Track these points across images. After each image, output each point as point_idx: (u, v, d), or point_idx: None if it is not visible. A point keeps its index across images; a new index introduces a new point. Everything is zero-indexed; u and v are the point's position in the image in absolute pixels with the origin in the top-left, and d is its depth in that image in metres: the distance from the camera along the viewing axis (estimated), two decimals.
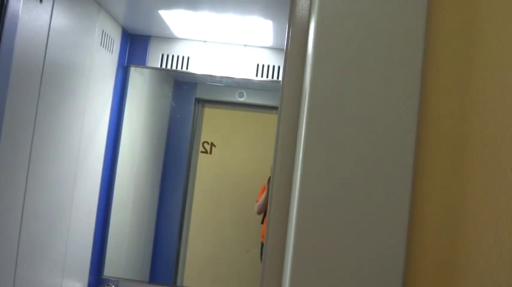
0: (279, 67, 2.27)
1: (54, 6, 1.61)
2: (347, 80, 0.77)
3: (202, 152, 3.14)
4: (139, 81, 2.45)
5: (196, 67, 2.32)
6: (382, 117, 0.76)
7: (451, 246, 0.73)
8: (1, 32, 1.11)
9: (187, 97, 2.73)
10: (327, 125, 0.77)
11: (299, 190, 0.77)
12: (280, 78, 2.21)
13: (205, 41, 2.32)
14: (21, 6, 1.36)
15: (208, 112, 2.91)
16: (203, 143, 3.20)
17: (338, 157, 0.76)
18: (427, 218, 0.76)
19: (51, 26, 1.60)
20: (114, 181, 2.35)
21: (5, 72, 1.23)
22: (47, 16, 1.58)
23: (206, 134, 3.07)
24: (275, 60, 2.28)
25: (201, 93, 2.74)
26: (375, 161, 0.76)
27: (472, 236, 0.67)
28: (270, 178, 2.74)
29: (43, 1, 1.54)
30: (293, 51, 0.93)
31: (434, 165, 0.76)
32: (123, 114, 2.35)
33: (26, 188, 1.55)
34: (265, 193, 2.86)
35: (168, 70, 2.38)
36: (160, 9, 1.95)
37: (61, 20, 1.66)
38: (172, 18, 2.04)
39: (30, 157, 1.56)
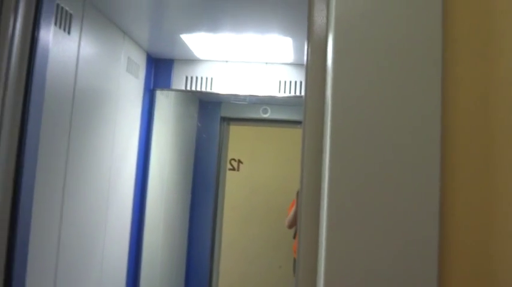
0: (301, 82, 2.29)
1: (82, 37, 1.69)
2: (367, 91, 0.79)
3: (230, 169, 3.17)
4: (165, 104, 2.51)
5: (220, 87, 2.37)
6: (405, 126, 0.77)
7: (483, 246, 0.73)
8: (33, 64, 1.17)
9: (212, 116, 2.78)
10: (351, 136, 0.78)
11: (327, 202, 0.78)
12: (303, 93, 2.23)
13: (227, 61, 2.37)
14: (51, 39, 1.43)
15: (234, 130, 2.95)
16: (230, 160, 3.23)
17: (364, 167, 0.77)
18: (457, 223, 0.76)
19: (79, 55, 1.67)
20: (146, 202, 2.39)
21: (39, 102, 1.29)
22: (75, 47, 1.65)
23: (233, 151, 3.11)
24: (297, 76, 2.31)
25: (225, 112, 2.79)
26: (401, 171, 0.76)
27: (504, 237, 0.67)
28: (299, 190, 2.74)
29: (71, 33, 1.61)
30: (313, 67, 0.95)
31: (462, 174, 0.76)
32: (151, 136, 2.41)
33: (61, 212, 1.60)
34: (295, 206, 2.85)
35: (192, 91, 2.44)
36: (182, 33, 2.01)
37: (89, 49, 1.74)
38: (194, 41, 2.10)
39: (64, 183, 1.62)
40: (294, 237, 2.84)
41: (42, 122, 1.38)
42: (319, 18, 0.96)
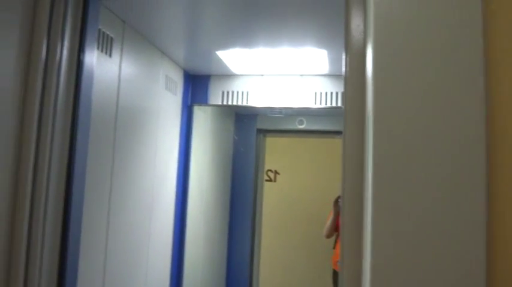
0: (336, 93, 2.29)
1: (122, 59, 1.76)
2: (410, 100, 0.79)
3: (266, 180, 3.19)
4: (202, 118, 2.56)
5: (256, 100, 2.40)
6: (449, 135, 0.76)
7: None
8: (80, 87, 1.23)
9: (248, 129, 2.81)
10: (394, 146, 0.78)
11: (372, 213, 0.78)
12: (339, 103, 2.24)
13: (262, 75, 2.40)
14: (95, 62, 1.49)
15: (270, 141, 2.97)
16: (267, 171, 3.25)
17: (409, 176, 0.77)
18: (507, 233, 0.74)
19: (120, 76, 1.74)
20: (186, 214, 2.44)
21: (86, 122, 1.34)
22: (116, 68, 1.72)
23: (269, 162, 3.13)
24: (332, 87, 2.31)
25: (261, 124, 2.81)
26: (447, 179, 0.75)
27: None
28: (336, 200, 2.73)
29: (112, 55, 1.68)
30: (352, 77, 0.96)
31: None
32: (190, 150, 2.46)
33: (107, 227, 1.66)
34: (332, 215, 2.83)
35: (229, 105, 2.48)
36: (217, 50, 2.05)
37: (129, 70, 1.81)
38: (230, 57, 2.14)
39: (110, 198, 1.68)
40: (334, 247, 2.81)
41: (89, 138, 1.44)
42: (356, 28, 0.97)
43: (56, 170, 1.13)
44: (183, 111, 2.40)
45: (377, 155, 0.79)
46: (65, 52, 1.17)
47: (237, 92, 2.43)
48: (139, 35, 1.89)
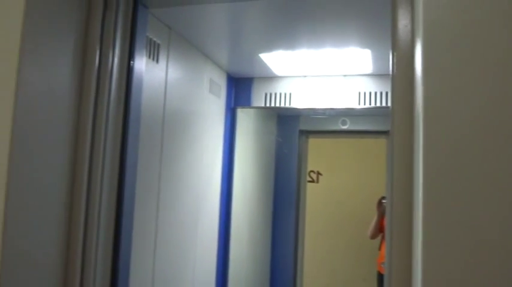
0: (381, 93, 2.26)
1: (169, 64, 1.81)
2: (461, 100, 0.77)
3: (309, 181, 3.18)
4: (245, 121, 2.59)
5: (299, 102, 2.40)
6: (502, 134, 0.75)
7: None
8: (130, 93, 1.27)
9: (291, 130, 2.81)
10: (445, 146, 0.77)
11: (423, 214, 0.77)
12: (384, 103, 2.20)
13: (305, 76, 2.39)
14: (143, 68, 1.54)
15: (313, 142, 2.96)
16: (309, 172, 3.24)
17: (460, 176, 0.76)
18: None
19: (167, 81, 1.79)
20: (231, 215, 2.47)
21: (136, 126, 1.39)
22: (163, 73, 1.77)
23: (312, 163, 3.12)
24: (376, 87, 2.28)
25: (304, 125, 2.81)
26: (501, 179, 0.74)
27: None
28: (379, 200, 2.69)
29: (159, 61, 1.73)
30: (399, 77, 0.95)
31: None
32: (234, 152, 2.49)
33: (156, 229, 1.71)
34: (376, 216, 2.79)
35: (271, 108, 2.49)
36: (260, 53, 2.07)
37: (175, 75, 1.85)
38: (273, 59, 2.16)
39: (158, 199, 1.73)
40: (380, 248, 2.77)
41: (139, 141, 1.49)
42: (404, 27, 0.96)
43: (108, 174, 1.18)
44: (226, 114, 2.44)
45: (428, 156, 0.78)
46: (116, 60, 1.22)
47: (280, 94, 2.44)
48: (184, 40, 1.94)
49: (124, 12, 1.24)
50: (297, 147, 2.86)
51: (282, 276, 2.84)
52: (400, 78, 0.95)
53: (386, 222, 0.96)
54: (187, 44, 1.97)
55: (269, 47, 1.99)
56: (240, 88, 2.51)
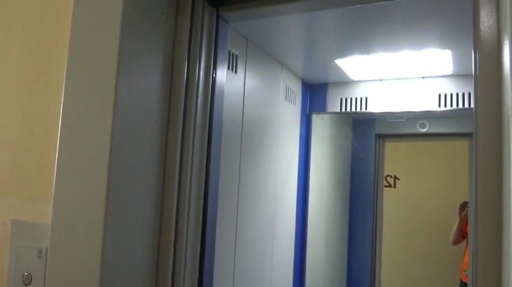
0: (463, 94, 2.17)
1: (246, 74, 1.88)
2: None
3: (385, 186, 3.12)
4: (321, 126, 2.60)
5: (375, 106, 2.38)
6: None
7: None
8: (213, 103, 1.34)
9: (367, 134, 2.78)
10: None
11: None
12: (466, 105, 2.12)
13: (381, 80, 2.37)
14: (224, 80, 1.62)
15: (389, 146, 2.91)
16: (386, 177, 3.17)
17: None
18: None
19: (245, 90, 1.86)
20: (307, 222, 2.49)
21: (219, 136, 1.46)
22: (241, 83, 1.85)
23: (388, 168, 3.05)
24: (458, 88, 2.20)
25: (380, 129, 2.77)
26: None
27: None
28: (461, 205, 2.58)
29: (237, 72, 1.80)
30: (484, 77, 0.92)
31: None
32: (310, 158, 2.51)
33: (236, 233, 1.78)
34: (457, 221, 2.68)
35: (347, 113, 2.49)
36: (335, 58, 2.09)
37: (252, 84, 1.92)
38: (348, 65, 2.16)
39: (237, 205, 1.80)
40: (464, 255, 2.65)
41: (221, 148, 1.56)
42: (488, 25, 0.94)
43: (196, 183, 1.25)
44: (302, 120, 2.47)
45: None
46: (202, 73, 1.30)
47: (356, 99, 2.43)
48: (261, 50, 2.00)
49: (208, 27, 1.31)
50: (373, 151, 2.82)
51: (359, 283, 2.80)
52: (486, 79, 0.93)
53: (470, 228, 0.94)
54: (263, 53, 2.03)
55: (344, 52, 2.00)
56: (315, 94, 2.53)
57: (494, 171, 0.88)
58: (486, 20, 0.95)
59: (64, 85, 1.03)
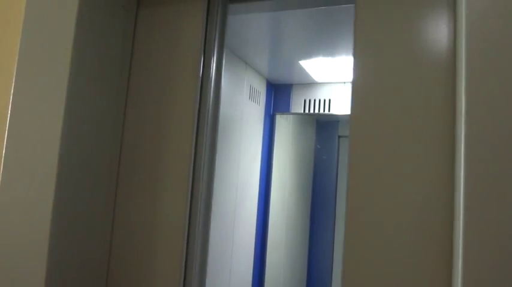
0: None
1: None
2: None
3: None
4: (284, 127, 2.60)
5: (338, 108, 2.40)
6: None
7: None
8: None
9: (330, 135, 2.80)
10: None
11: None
12: None
13: (344, 82, 2.39)
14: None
15: None
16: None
17: None
18: None
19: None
20: (268, 222, 2.48)
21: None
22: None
23: None
24: None
25: (344, 131, 2.79)
26: None
27: None
28: None
29: None
30: (359, 83, 0.93)
31: None
32: (273, 158, 2.51)
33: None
34: None
35: (311, 114, 2.50)
36: (300, 59, 2.08)
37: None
38: (312, 66, 2.16)
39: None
40: None
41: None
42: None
43: (206, 179, 1.20)
44: (265, 120, 2.46)
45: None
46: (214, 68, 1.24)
47: (319, 100, 2.44)
48: (226, 48, 1.97)
49: (222, 19, 1.26)
50: (336, 152, 2.84)
51: (319, 282, 2.82)
52: (361, 85, 0.93)
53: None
54: (228, 52, 2.01)
55: (309, 53, 2.00)
56: (279, 94, 2.53)
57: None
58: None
59: (14, 80, 0.98)
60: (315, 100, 2.45)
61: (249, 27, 1.75)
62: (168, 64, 1.16)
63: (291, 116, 2.64)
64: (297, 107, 2.49)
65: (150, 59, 1.18)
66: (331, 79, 2.37)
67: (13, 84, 0.90)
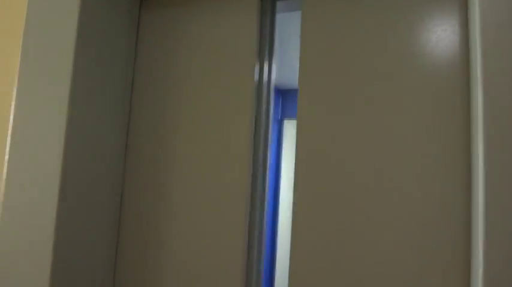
0: None
1: None
2: None
3: None
4: (292, 131, 2.60)
5: None
6: None
7: None
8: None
9: None
10: None
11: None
12: None
13: None
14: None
15: None
16: None
17: None
18: None
19: None
20: (277, 227, 2.47)
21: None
22: None
23: None
24: None
25: None
26: None
27: None
28: None
29: None
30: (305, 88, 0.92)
31: None
32: (281, 163, 2.50)
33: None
34: None
35: None
36: None
37: None
38: None
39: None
40: None
41: None
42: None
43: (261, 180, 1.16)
44: (273, 125, 2.46)
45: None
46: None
47: None
48: None
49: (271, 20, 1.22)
50: None
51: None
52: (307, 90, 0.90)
53: None
54: None
55: None
56: (287, 100, 2.53)
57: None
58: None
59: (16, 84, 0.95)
60: None
61: None
62: (174, 64, 1.13)
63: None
64: None
65: (153, 60, 1.14)
66: None
67: (15, 87, 0.87)
